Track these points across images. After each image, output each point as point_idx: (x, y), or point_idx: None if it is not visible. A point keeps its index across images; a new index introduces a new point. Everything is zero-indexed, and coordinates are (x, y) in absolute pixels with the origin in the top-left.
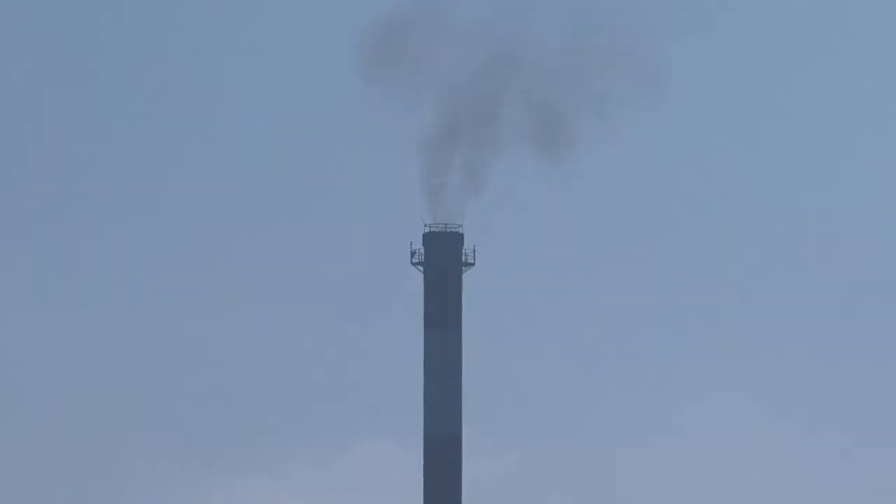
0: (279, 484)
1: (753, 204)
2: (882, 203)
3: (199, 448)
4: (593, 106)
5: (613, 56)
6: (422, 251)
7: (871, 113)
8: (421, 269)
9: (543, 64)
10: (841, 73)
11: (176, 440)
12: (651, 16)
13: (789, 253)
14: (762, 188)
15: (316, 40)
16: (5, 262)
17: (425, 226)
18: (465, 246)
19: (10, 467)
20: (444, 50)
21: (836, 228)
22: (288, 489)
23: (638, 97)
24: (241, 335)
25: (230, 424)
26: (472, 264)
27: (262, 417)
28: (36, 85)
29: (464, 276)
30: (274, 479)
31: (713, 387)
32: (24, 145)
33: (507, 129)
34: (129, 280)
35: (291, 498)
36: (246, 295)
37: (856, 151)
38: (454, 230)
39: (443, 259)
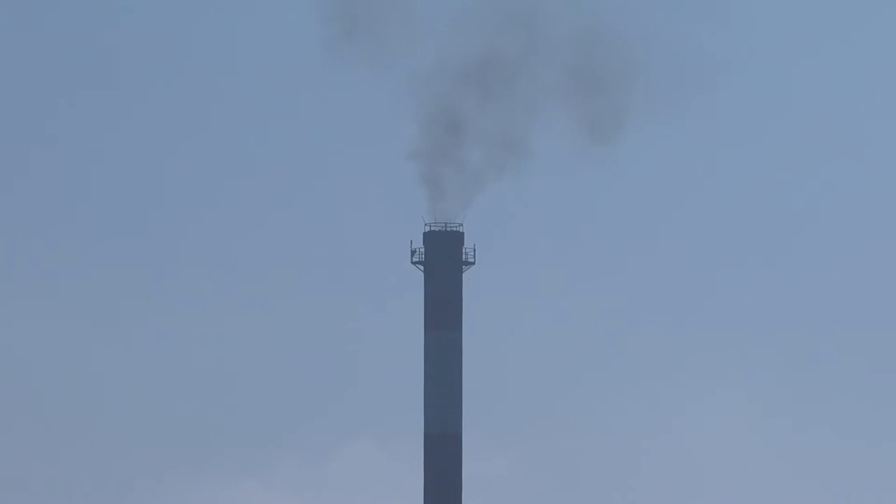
0: (279, 483)
1: (751, 205)
2: (882, 204)
3: (198, 448)
4: (600, 104)
5: (626, 53)
6: (422, 250)
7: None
8: (421, 268)
9: (549, 60)
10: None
11: (175, 440)
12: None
13: (790, 252)
14: (760, 190)
15: (312, 32)
16: (5, 262)
17: (425, 225)
18: (465, 245)
19: (6, 467)
20: (441, 41)
21: (840, 229)
22: (288, 488)
23: (648, 102)
24: (241, 335)
25: (230, 425)
26: (472, 264)
27: (262, 417)
28: (30, 86)
29: (464, 275)
30: (274, 478)
31: (713, 387)
32: (18, 145)
33: (505, 129)
34: (125, 281)
35: (292, 497)
36: (246, 294)
37: (869, 153)
38: (454, 229)
39: (443, 259)
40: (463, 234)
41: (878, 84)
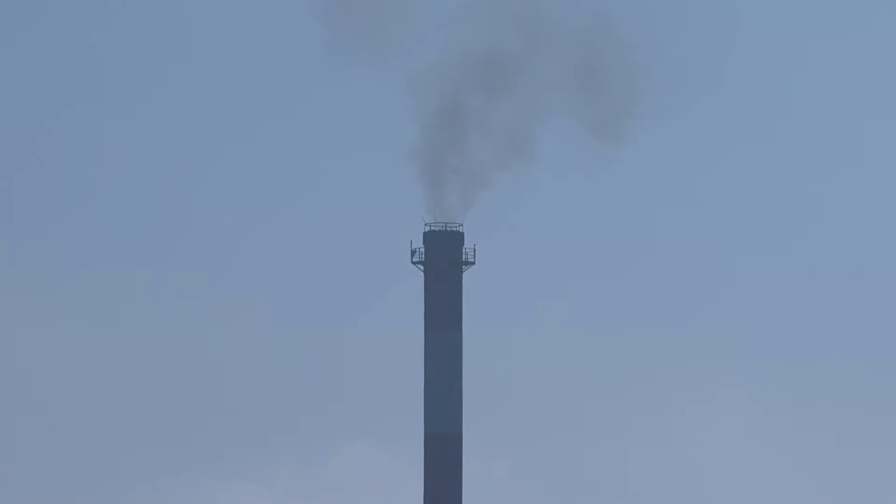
0: (279, 484)
1: (754, 206)
2: (882, 205)
3: (197, 449)
4: (603, 105)
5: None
6: (422, 250)
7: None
8: (421, 268)
9: (553, 60)
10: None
11: (174, 441)
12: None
13: (791, 253)
14: (763, 191)
15: (312, 32)
16: (5, 262)
17: (425, 224)
18: (465, 245)
19: (4, 468)
20: (441, 41)
21: (842, 230)
22: (288, 489)
23: (651, 103)
24: (241, 335)
25: (229, 425)
26: (472, 263)
27: (261, 418)
28: (31, 86)
29: (464, 275)
30: (273, 478)
31: (714, 387)
32: (18, 145)
33: (507, 129)
34: (124, 281)
35: (291, 498)
36: (245, 294)
37: (871, 154)
38: (454, 229)
39: (443, 258)
40: (463, 234)
41: (880, 85)
